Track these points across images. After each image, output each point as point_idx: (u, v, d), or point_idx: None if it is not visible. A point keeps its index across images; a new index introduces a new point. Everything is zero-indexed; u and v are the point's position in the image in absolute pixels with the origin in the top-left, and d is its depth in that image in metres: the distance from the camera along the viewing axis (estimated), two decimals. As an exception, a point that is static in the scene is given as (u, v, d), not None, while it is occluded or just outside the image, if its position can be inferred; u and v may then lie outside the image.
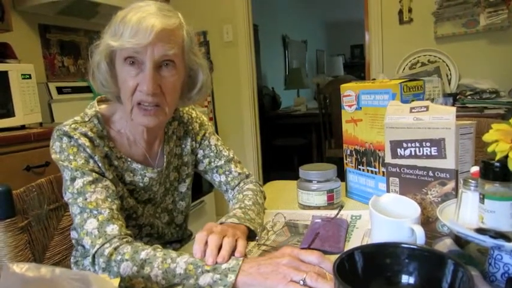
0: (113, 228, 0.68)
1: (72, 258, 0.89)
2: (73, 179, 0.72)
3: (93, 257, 0.66)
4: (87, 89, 2.43)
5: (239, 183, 0.94)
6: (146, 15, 0.70)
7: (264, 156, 3.22)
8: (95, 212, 0.69)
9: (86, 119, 0.78)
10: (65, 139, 0.74)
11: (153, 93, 0.72)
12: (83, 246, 0.85)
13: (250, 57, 2.98)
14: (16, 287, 0.44)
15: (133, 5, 0.73)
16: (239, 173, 0.95)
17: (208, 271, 0.59)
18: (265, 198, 0.96)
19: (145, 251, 0.64)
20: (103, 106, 0.84)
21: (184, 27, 0.76)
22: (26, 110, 1.79)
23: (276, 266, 0.57)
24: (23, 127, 1.82)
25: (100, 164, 0.75)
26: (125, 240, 0.67)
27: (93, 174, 0.73)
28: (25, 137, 1.63)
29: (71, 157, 0.73)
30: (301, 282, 0.54)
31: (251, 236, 0.76)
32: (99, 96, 0.85)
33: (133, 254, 0.64)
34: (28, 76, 1.81)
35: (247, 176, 0.96)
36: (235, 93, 3.04)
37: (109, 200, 0.72)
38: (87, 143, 0.74)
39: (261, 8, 3.91)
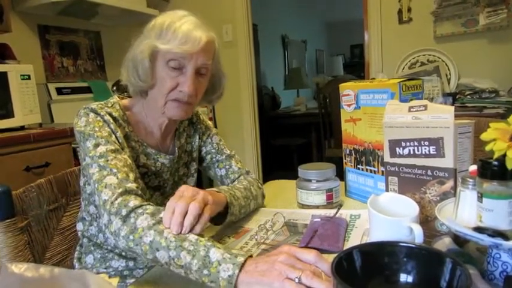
0: (131, 185, 0.72)
1: (76, 253, 0.90)
2: (96, 145, 0.77)
3: (111, 204, 0.68)
4: (87, 90, 2.43)
5: (239, 177, 0.98)
6: (193, 27, 0.80)
7: (263, 156, 3.22)
8: (115, 171, 0.73)
9: (109, 105, 0.86)
10: (92, 115, 0.81)
11: (192, 94, 0.82)
12: (89, 239, 0.87)
13: (249, 57, 2.98)
14: (15, 287, 0.44)
15: (172, 13, 0.83)
16: (239, 168, 1.00)
17: (219, 248, 0.61)
18: (264, 196, 0.98)
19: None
20: (124, 100, 0.91)
21: (216, 39, 0.87)
22: (25, 111, 1.80)
23: (272, 263, 0.58)
24: (22, 128, 1.82)
25: (120, 141, 0.81)
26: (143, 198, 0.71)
27: (116, 145, 0.78)
28: (25, 138, 1.63)
29: (97, 129, 0.79)
30: (297, 280, 0.54)
31: (221, 215, 0.80)
32: (116, 95, 0.93)
33: (154, 211, 0.67)
34: (27, 77, 1.81)
35: (247, 172, 1.01)
36: (235, 93, 3.04)
37: (126, 168, 0.76)
38: (111, 120, 0.81)
39: (261, 7, 3.91)
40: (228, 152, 1.01)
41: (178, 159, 0.95)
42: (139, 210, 0.67)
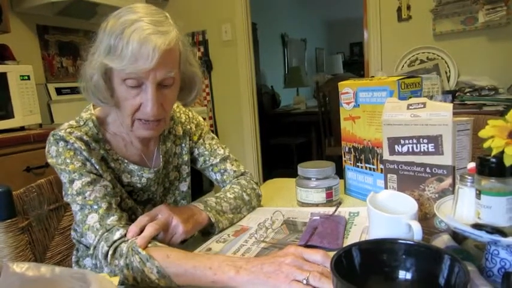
0: (112, 219, 0.71)
1: (73, 257, 0.90)
2: (71, 181, 0.73)
3: (94, 248, 0.69)
4: (87, 90, 2.43)
5: (234, 180, 0.96)
6: (145, 35, 0.66)
7: (263, 154, 3.22)
8: (95, 207, 0.71)
9: (81, 123, 0.79)
10: (61, 143, 0.75)
11: (156, 113, 0.73)
12: (86, 246, 0.87)
13: (249, 56, 2.98)
14: (16, 286, 0.44)
15: (124, 15, 0.70)
16: (234, 171, 0.97)
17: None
18: (260, 196, 0.97)
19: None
20: (97, 109, 0.84)
21: (179, 38, 0.73)
22: (25, 111, 1.80)
23: (279, 265, 0.57)
24: (22, 128, 1.82)
25: (97, 167, 0.76)
26: (123, 230, 0.69)
27: (91, 175, 0.74)
28: (25, 138, 1.64)
29: (68, 160, 0.74)
30: (304, 281, 0.54)
31: (210, 228, 0.81)
32: (92, 103, 0.85)
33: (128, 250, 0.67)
34: (27, 77, 1.81)
35: (242, 174, 0.98)
36: (235, 92, 3.04)
37: (107, 197, 0.74)
38: (83, 147, 0.75)
39: (260, 6, 3.91)
40: (222, 152, 0.96)
41: (166, 164, 0.90)
42: (116, 254, 0.67)
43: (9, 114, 1.74)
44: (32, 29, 2.28)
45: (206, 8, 2.97)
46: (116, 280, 0.52)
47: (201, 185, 2.63)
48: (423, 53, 2.43)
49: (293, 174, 1.02)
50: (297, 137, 4.14)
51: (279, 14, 5.29)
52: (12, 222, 0.80)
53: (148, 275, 0.62)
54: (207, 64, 3.05)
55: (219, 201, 0.85)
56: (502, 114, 1.86)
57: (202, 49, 3.05)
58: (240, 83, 3.01)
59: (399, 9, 2.47)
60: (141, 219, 0.70)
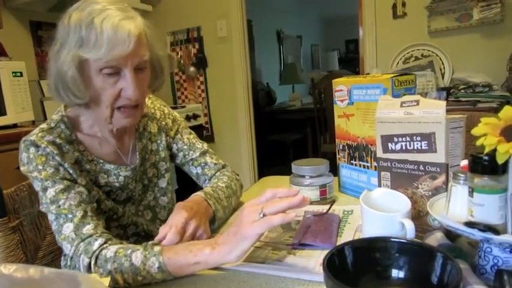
0: (88, 228, 0.69)
1: (62, 262, 0.88)
2: (44, 189, 0.71)
3: (71, 259, 0.68)
4: (80, 87, 2.41)
5: (215, 173, 0.97)
6: (118, 22, 0.67)
7: (259, 151, 3.21)
8: (70, 216, 0.70)
9: (53, 125, 0.78)
10: (32, 149, 0.73)
11: (138, 97, 0.74)
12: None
13: (244, 52, 2.97)
14: None
15: (87, 7, 0.69)
16: (215, 164, 0.97)
17: (138, 249, 0.64)
18: (242, 187, 0.99)
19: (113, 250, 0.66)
20: (68, 110, 0.82)
21: (145, 23, 0.74)
22: (17, 109, 1.78)
23: (239, 220, 0.61)
24: (15, 126, 1.81)
25: (71, 171, 0.74)
26: (101, 239, 0.68)
27: (65, 181, 0.72)
28: (17, 136, 1.61)
29: (40, 167, 0.72)
30: (261, 215, 0.59)
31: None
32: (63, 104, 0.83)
33: (108, 259, 0.65)
34: (19, 74, 1.79)
35: (223, 166, 0.99)
36: (230, 89, 3.03)
37: (83, 204, 0.72)
38: (56, 151, 0.73)
39: (255, 2, 3.89)
40: (200, 146, 0.97)
41: (144, 161, 0.89)
42: (98, 262, 0.65)
43: (1, 112, 1.72)
44: (25, 25, 2.25)
45: (201, 4, 2.95)
46: (106, 281, 0.51)
47: (194, 183, 2.62)
48: (418, 49, 2.43)
49: (288, 171, 1.02)
50: (293, 134, 4.14)
51: (275, 10, 5.27)
52: (3, 221, 0.79)
53: (148, 269, 0.62)
54: (202, 61, 3.04)
55: (215, 189, 0.87)
56: (496, 110, 1.86)
57: (197, 45, 3.03)
58: (235, 79, 3.00)
59: (394, 6, 2.47)
60: (162, 230, 0.72)
